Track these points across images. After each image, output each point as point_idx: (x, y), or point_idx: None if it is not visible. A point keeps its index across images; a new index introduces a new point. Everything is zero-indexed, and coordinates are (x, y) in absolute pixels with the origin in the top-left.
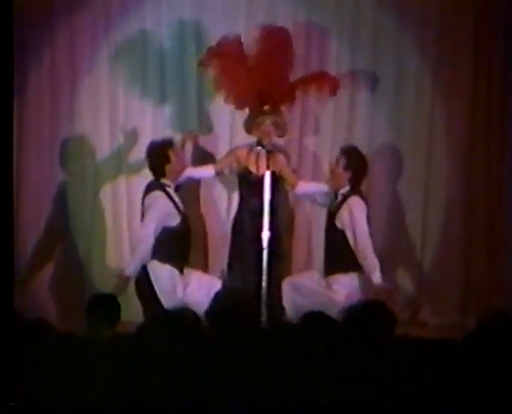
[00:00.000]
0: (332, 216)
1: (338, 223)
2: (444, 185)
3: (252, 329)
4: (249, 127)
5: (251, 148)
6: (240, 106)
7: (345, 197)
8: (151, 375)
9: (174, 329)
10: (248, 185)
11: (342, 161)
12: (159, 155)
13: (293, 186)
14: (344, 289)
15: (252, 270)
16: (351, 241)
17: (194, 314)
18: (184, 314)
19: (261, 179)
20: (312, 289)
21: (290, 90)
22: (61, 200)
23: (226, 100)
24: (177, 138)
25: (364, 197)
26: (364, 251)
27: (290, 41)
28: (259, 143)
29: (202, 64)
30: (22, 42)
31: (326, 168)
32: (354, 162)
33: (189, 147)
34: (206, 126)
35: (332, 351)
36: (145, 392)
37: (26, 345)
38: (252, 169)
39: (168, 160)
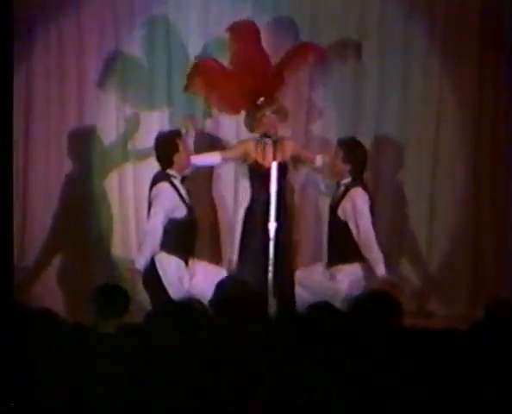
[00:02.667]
0: (334, 207)
1: (340, 214)
2: (451, 176)
3: (259, 319)
4: (251, 125)
5: (258, 141)
6: (235, 112)
7: (347, 189)
8: (157, 366)
9: (181, 319)
10: (258, 177)
11: (340, 154)
12: (168, 144)
13: (312, 161)
14: (348, 279)
15: (263, 261)
16: (354, 233)
17: (201, 304)
18: (190, 305)
19: (269, 171)
20: (316, 281)
21: (276, 74)
22: (69, 191)
23: (220, 112)
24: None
25: (366, 188)
26: (367, 243)
27: (257, 32)
28: (265, 135)
29: (187, 89)
30: (29, 31)
31: None
32: (353, 154)
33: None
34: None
35: (338, 341)
36: (150, 384)
37: (32, 335)
38: (260, 161)
39: (176, 150)
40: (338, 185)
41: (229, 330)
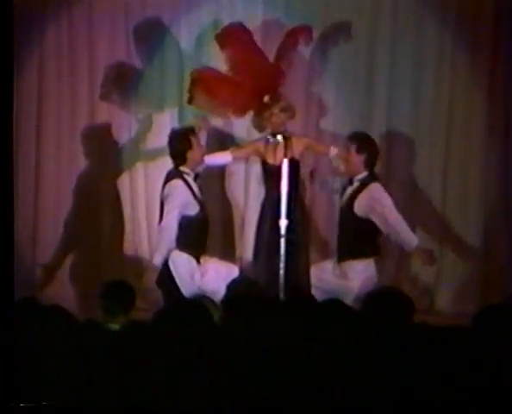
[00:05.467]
0: (349, 202)
1: (357, 210)
2: (462, 172)
3: (269, 317)
4: (260, 125)
5: (268, 140)
6: (241, 114)
7: (362, 184)
8: (163, 364)
9: (191, 317)
10: (270, 176)
11: (353, 146)
12: (182, 141)
13: (326, 153)
14: (360, 277)
15: (276, 259)
16: (380, 224)
17: (211, 302)
18: (201, 302)
19: (280, 170)
20: (327, 279)
21: (275, 68)
22: (81, 190)
23: (226, 118)
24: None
25: (383, 183)
26: (398, 230)
27: (247, 32)
28: (275, 134)
29: (190, 102)
30: (41, 33)
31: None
32: (365, 144)
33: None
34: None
35: (349, 339)
36: (157, 381)
37: (43, 333)
38: (270, 161)
39: (190, 146)
40: (351, 181)
41: (239, 328)
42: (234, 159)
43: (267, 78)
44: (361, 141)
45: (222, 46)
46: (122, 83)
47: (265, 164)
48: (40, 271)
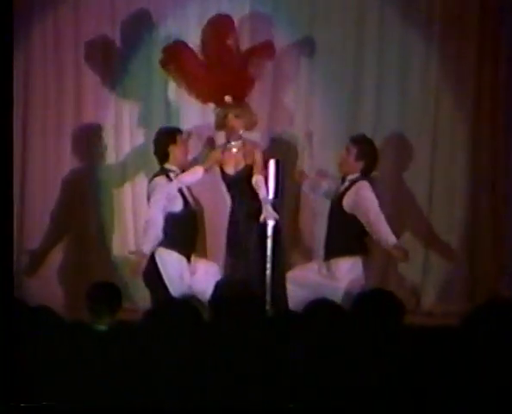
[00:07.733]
0: (339, 198)
1: (345, 206)
2: (449, 172)
3: (256, 317)
4: (216, 123)
5: (224, 148)
6: (203, 101)
7: (352, 182)
8: (151, 365)
9: (178, 317)
10: (228, 185)
11: (353, 151)
12: (166, 137)
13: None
14: (347, 276)
15: (245, 265)
16: (362, 220)
17: (200, 302)
18: (189, 302)
19: (235, 178)
20: (314, 280)
21: (244, 74)
22: (68, 188)
23: (189, 94)
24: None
25: (373, 184)
26: (377, 225)
27: (233, 28)
28: (229, 141)
29: (162, 64)
30: (27, 28)
31: (331, 159)
32: (365, 152)
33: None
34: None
35: (338, 340)
36: (145, 383)
37: (30, 333)
38: (227, 169)
39: (174, 141)
40: (343, 179)
41: (227, 329)
42: (206, 171)
43: (236, 79)
44: (363, 146)
45: (206, 30)
46: (108, 77)
47: (223, 173)
48: (27, 271)
